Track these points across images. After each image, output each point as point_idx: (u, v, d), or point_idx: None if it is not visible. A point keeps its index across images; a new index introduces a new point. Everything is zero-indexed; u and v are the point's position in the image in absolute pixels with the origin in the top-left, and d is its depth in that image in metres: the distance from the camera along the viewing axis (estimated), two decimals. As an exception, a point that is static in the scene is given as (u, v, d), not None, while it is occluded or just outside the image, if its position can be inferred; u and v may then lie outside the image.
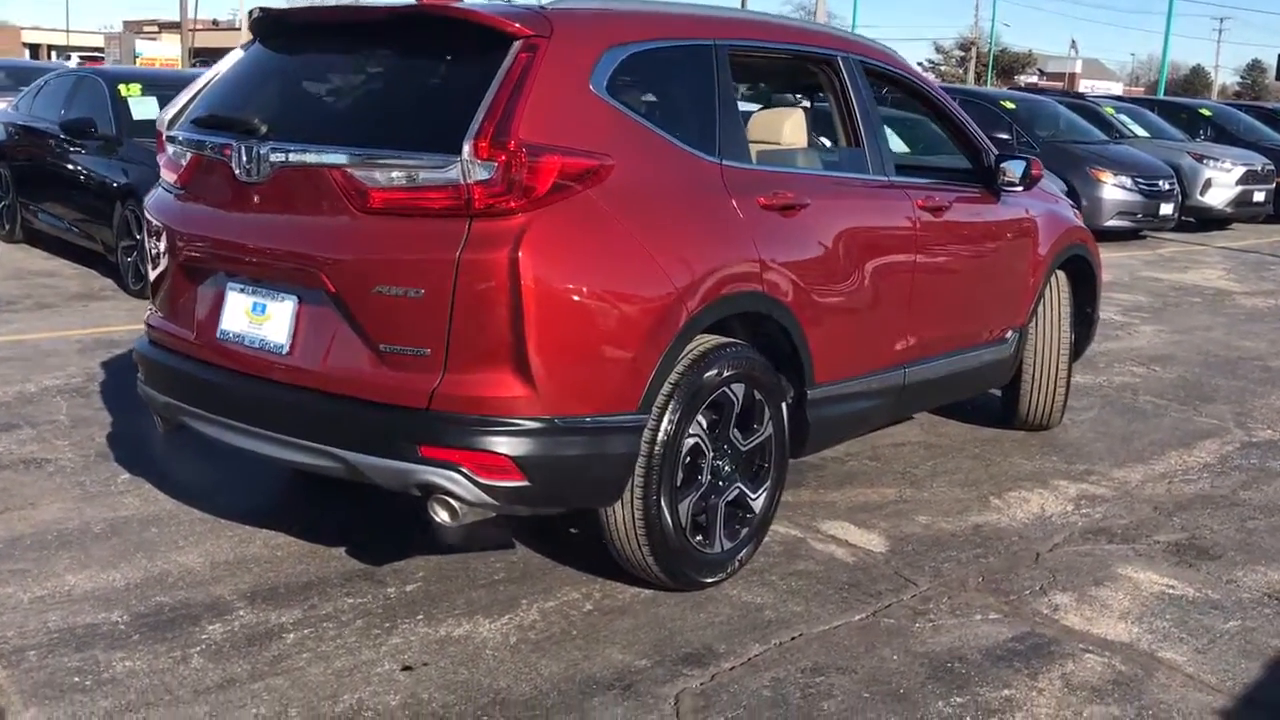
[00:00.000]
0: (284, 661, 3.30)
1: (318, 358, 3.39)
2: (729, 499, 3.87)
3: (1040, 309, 5.60)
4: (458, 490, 3.23)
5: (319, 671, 3.24)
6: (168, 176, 3.93)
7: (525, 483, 3.26)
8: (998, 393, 5.85)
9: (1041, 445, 5.72)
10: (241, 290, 3.61)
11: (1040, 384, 5.68)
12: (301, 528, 4.21)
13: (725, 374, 3.69)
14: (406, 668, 3.29)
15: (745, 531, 3.93)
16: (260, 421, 3.47)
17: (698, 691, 3.22)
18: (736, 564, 3.89)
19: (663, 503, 3.55)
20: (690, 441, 3.64)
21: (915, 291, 4.64)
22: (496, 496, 3.27)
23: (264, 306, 3.53)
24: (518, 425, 3.22)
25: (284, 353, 3.46)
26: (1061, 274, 5.71)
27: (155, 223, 3.90)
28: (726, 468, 3.84)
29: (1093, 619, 3.79)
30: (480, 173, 3.15)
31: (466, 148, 3.13)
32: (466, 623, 3.57)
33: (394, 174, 3.25)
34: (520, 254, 3.13)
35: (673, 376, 3.54)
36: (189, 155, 3.79)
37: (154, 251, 3.92)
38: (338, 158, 3.31)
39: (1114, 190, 14.11)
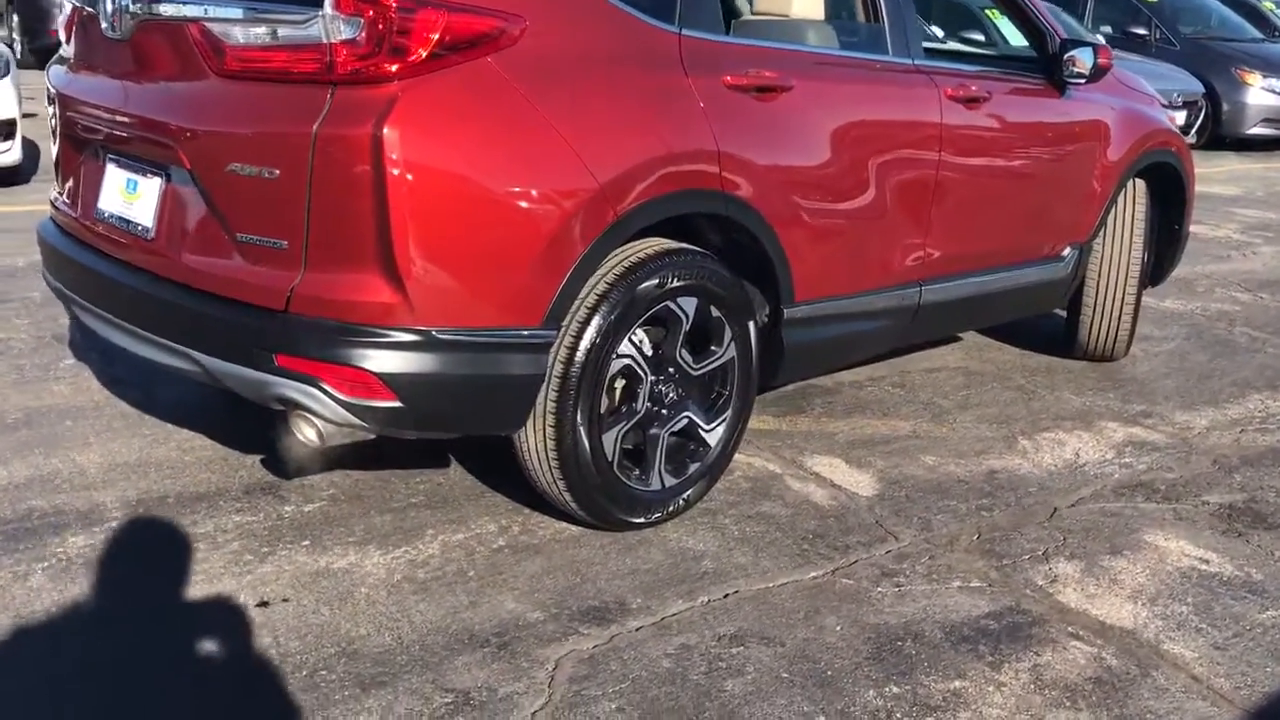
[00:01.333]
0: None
1: (180, 245, 2.96)
2: (674, 430, 3.34)
3: (1109, 223, 4.84)
4: (318, 408, 2.78)
5: (163, 601, 2.87)
6: (63, 38, 3.51)
7: (397, 404, 2.79)
8: (1063, 313, 5.15)
9: (1099, 379, 5.01)
10: (118, 164, 3.18)
11: (1103, 309, 4.96)
12: (227, 431, 3.84)
13: (670, 285, 3.13)
14: (263, 603, 2.89)
15: (696, 468, 3.41)
16: (125, 314, 3.07)
17: (585, 657, 2.75)
18: (681, 503, 3.38)
19: (580, 432, 3.05)
20: (621, 363, 3.11)
21: (938, 197, 3.97)
22: (364, 417, 2.81)
23: (135, 183, 3.10)
24: (385, 337, 2.73)
25: (150, 237, 3.03)
26: (1140, 183, 4.92)
27: (51, 91, 3.49)
28: (671, 394, 3.30)
29: (1094, 596, 3.18)
30: (344, 30, 2.63)
31: (328, -1, 2.61)
32: (354, 553, 3.15)
33: (255, 30, 2.75)
34: (386, 130, 2.61)
35: (597, 286, 3.01)
36: (71, 10, 3.36)
37: (52, 124, 3.51)
38: (195, 9, 2.81)
39: (1261, 94, 12.77)
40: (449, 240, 2.72)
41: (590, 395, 3.04)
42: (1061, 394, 4.80)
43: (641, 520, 3.28)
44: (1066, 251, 4.67)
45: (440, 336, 2.77)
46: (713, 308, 3.30)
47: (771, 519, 3.48)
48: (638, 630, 2.87)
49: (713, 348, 3.38)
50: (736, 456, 3.69)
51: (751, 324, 3.44)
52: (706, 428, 3.41)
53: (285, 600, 2.91)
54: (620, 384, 3.20)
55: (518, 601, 2.95)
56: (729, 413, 3.45)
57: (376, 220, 2.64)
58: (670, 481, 3.35)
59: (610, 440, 3.15)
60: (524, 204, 2.81)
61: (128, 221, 3.08)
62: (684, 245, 3.21)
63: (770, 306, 3.56)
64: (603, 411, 3.11)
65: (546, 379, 2.99)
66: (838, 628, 2.94)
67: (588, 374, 3.02)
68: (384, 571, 3.06)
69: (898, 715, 2.61)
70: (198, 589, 2.93)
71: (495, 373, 2.86)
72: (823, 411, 4.38)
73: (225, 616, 2.82)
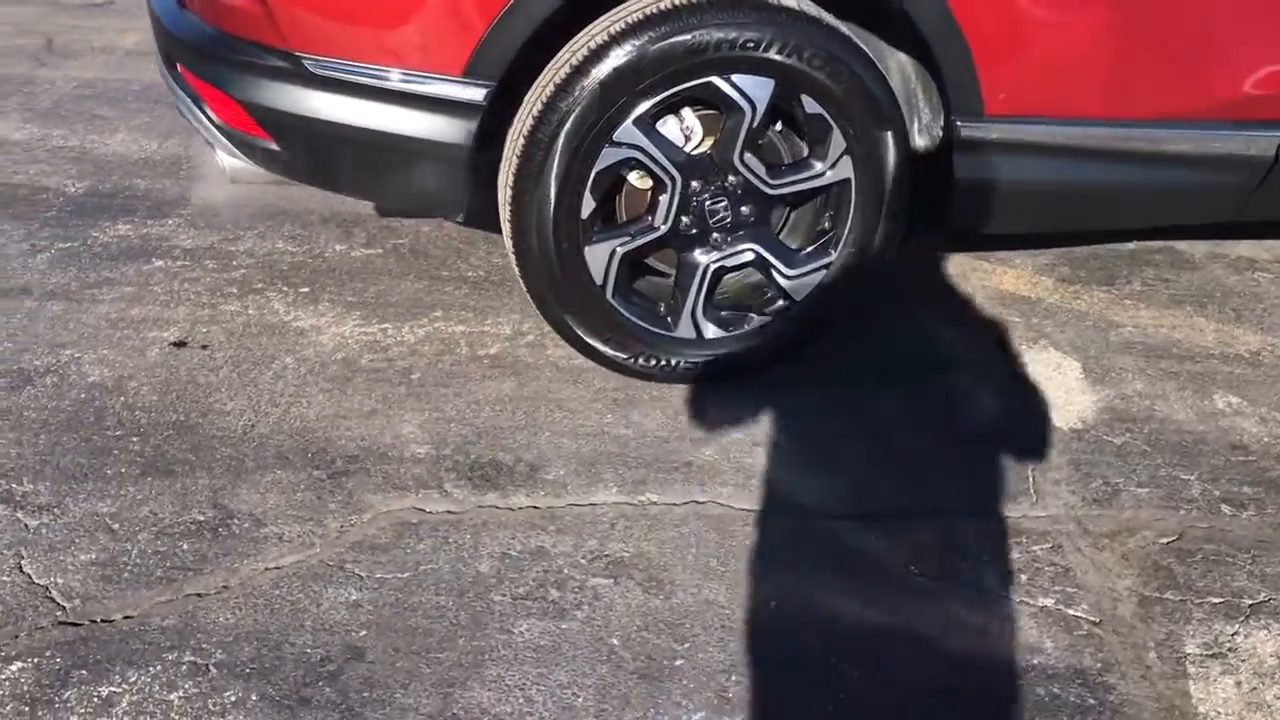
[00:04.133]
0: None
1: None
2: (731, 264, 2.38)
3: None
4: (205, 134, 2.27)
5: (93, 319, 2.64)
6: None
7: (275, 147, 2.19)
8: None
9: None
10: None
11: None
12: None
13: (712, 53, 2.13)
14: (180, 343, 2.55)
15: (757, 324, 2.44)
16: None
17: (404, 522, 2.10)
18: (715, 364, 2.46)
19: (547, 236, 2.25)
20: (620, 154, 2.21)
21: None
22: (249, 155, 2.26)
23: None
24: (252, 59, 2.12)
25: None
26: None
27: None
28: (726, 214, 2.33)
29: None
30: None
31: None
32: (329, 316, 2.68)
33: None
34: None
35: (577, 37, 2.11)
36: None
37: None
38: None
39: None
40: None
41: (560, 190, 2.20)
42: None
43: (649, 365, 2.42)
44: None
45: (312, 69, 2.09)
46: (808, 99, 2.22)
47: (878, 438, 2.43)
48: (511, 512, 2.14)
49: (811, 160, 2.32)
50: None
51: (890, 135, 2.29)
52: (788, 272, 2.39)
53: (204, 348, 2.53)
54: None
55: (421, 428, 2.33)
56: (834, 257, 2.39)
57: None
58: (712, 332, 2.42)
59: (599, 255, 2.30)
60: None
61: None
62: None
63: (940, 117, 2.36)
64: (585, 217, 2.26)
65: (506, 158, 2.20)
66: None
67: (556, 159, 2.17)
68: (332, 345, 2.57)
69: None
70: (133, 310, 2.65)
71: (394, 130, 2.13)
72: (1140, 289, 3.01)
73: (128, 350, 2.51)
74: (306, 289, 2.77)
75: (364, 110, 2.12)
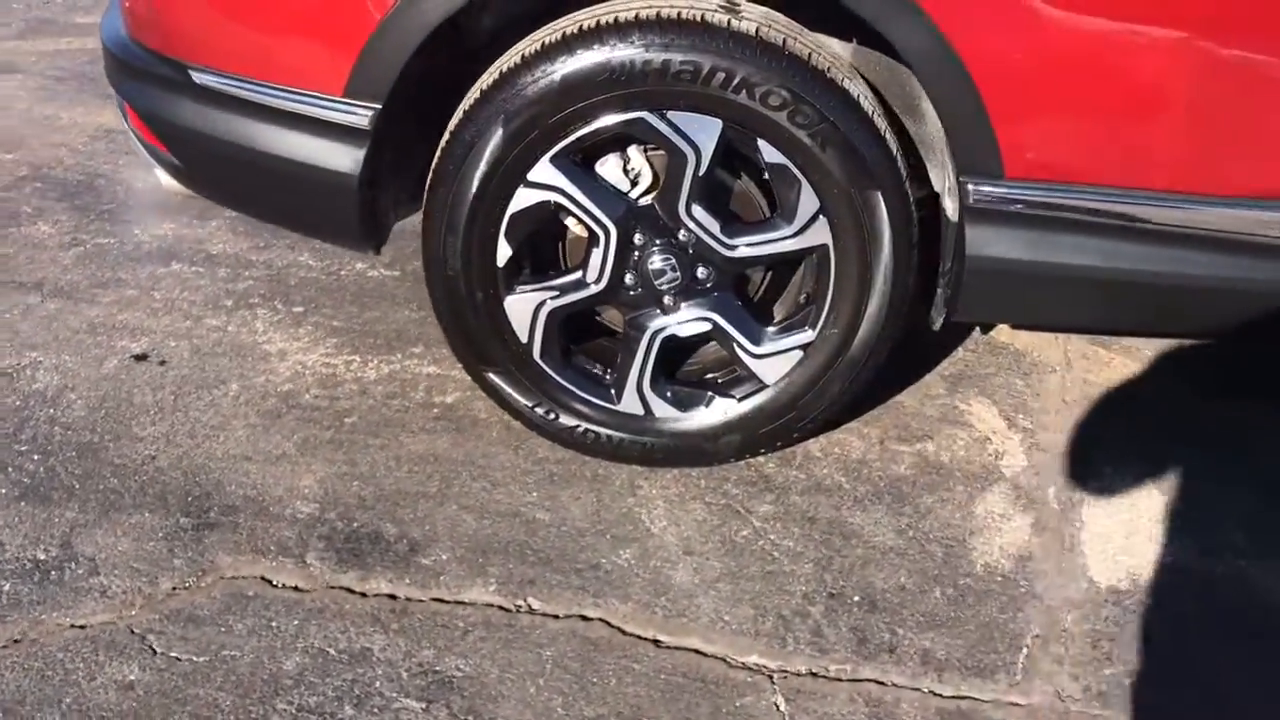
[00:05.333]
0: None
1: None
2: (681, 332, 2.00)
3: None
4: (131, 140, 2.13)
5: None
6: None
7: (172, 158, 2.01)
8: None
9: None
10: None
11: None
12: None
13: (638, 82, 1.76)
14: (140, 356, 2.44)
15: (715, 402, 2.04)
16: None
17: (234, 593, 1.88)
18: (650, 445, 2.07)
19: (457, 283, 1.96)
20: (536, 197, 1.88)
21: None
22: (162, 166, 2.09)
23: None
24: (146, 64, 1.95)
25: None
26: None
27: None
28: (674, 274, 1.94)
29: None
30: None
31: None
32: (305, 340, 2.50)
33: None
34: None
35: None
36: None
37: None
38: None
39: None
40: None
41: (469, 231, 1.90)
42: None
43: (588, 440, 2.08)
44: None
45: (196, 79, 1.89)
46: (767, 147, 1.81)
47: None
48: (362, 599, 1.86)
49: (776, 219, 1.89)
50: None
51: (881, 197, 1.83)
52: (753, 349, 1.98)
53: (162, 363, 2.41)
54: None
55: (320, 482, 2.10)
56: (813, 337, 1.95)
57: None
58: (663, 411, 2.04)
59: (522, 309, 1.97)
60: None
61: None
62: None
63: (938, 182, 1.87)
64: (501, 265, 1.94)
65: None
66: None
67: (464, 197, 1.87)
68: (286, 375, 2.38)
69: None
70: (120, 315, 2.56)
71: (276, 152, 1.90)
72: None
73: (89, 359, 2.43)
74: (300, 308, 2.60)
75: (246, 128, 1.90)
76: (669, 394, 2.03)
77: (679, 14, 1.74)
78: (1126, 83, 1.71)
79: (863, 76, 1.86)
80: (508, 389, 2.05)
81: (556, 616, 1.84)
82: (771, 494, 2.09)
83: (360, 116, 1.83)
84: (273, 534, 1.97)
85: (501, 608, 1.85)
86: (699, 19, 1.74)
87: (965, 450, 2.22)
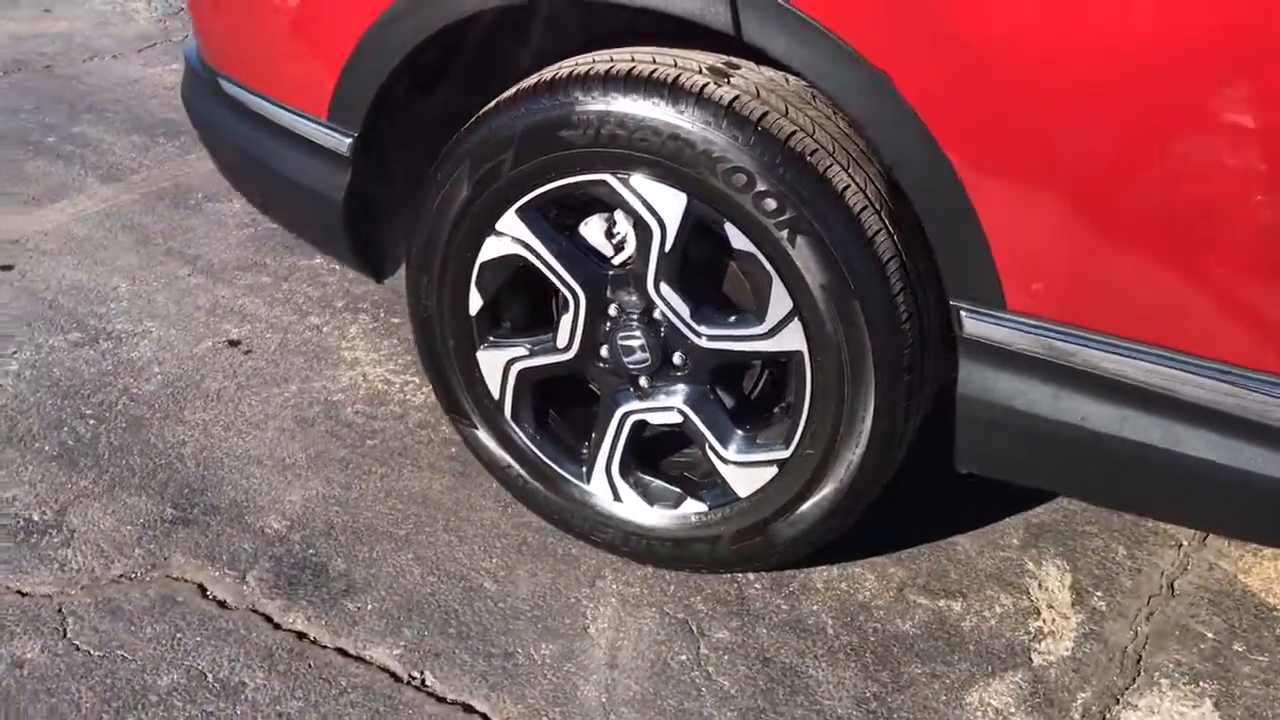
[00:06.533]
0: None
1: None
2: (654, 419, 1.81)
3: None
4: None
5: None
6: None
7: (214, 159, 2.06)
8: None
9: None
10: None
11: None
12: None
13: (601, 143, 1.60)
14: (234, 343, 2.55)
15: (685, 504, 1.82)
16: None
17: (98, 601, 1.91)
18: (605, 531, 1.88)
19: (435, 331, 1.88)
20: (504, 249, 1.75)
21: None
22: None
23: None
24: (195, 68, 2.00)
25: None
26: None
27: None
28: (644, 354, 1.75)
29: None
30: None
31: None
32: (354, 331, 2.52)
33: None
34: None
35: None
36: None
37: None
38: None
39: None
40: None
41: (442, 275, 1.81)
42: None
43: (556, 516, 1.93)
44: None
45: (224, 88, 1.91)
46: (734, 231, 1.58)
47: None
48: (273, 630, 1.83)
49: (750, 314, 1.65)
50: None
51: (860, 308, 1.55)
52: (725, 454, 1.75)
53: (247, 353, 2.51)
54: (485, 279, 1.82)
55: (305, 502, 2.08)
56: (789, 455, 1.69)
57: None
58: (631, 501, 1.85)
59: (493, 365, 1.85)
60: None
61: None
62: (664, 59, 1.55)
63: (929, 294, 1.54)
64: (473, 314, 1.83)
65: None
66: None
67: (438, 239, 1.78)
68: (343, 385, 2.39)
69: None
70: (242, 300, 2.68)
71: (276, 167, 1.89)
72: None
73: (191, 338, 2.56)
74: (397, 320, 2.61)
75: (258, 139, 1.90)
76: (638, 484, 1.83)
77: (650, 73, 1.54)
78: (1161, 215, 1.32)
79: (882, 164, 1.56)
80: (483, 441, 1.93)
81: (442, 699, 1.71)
82: (738, 620, 1.83)
83: (340, 142, 1.78)
84: (233, 543, 1.97)
85: (394, 675, 1.75)
86: (669, 80, 1.53)
87: (999, 620, 1.84)
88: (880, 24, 1.35)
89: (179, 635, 1.80)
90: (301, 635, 1.81)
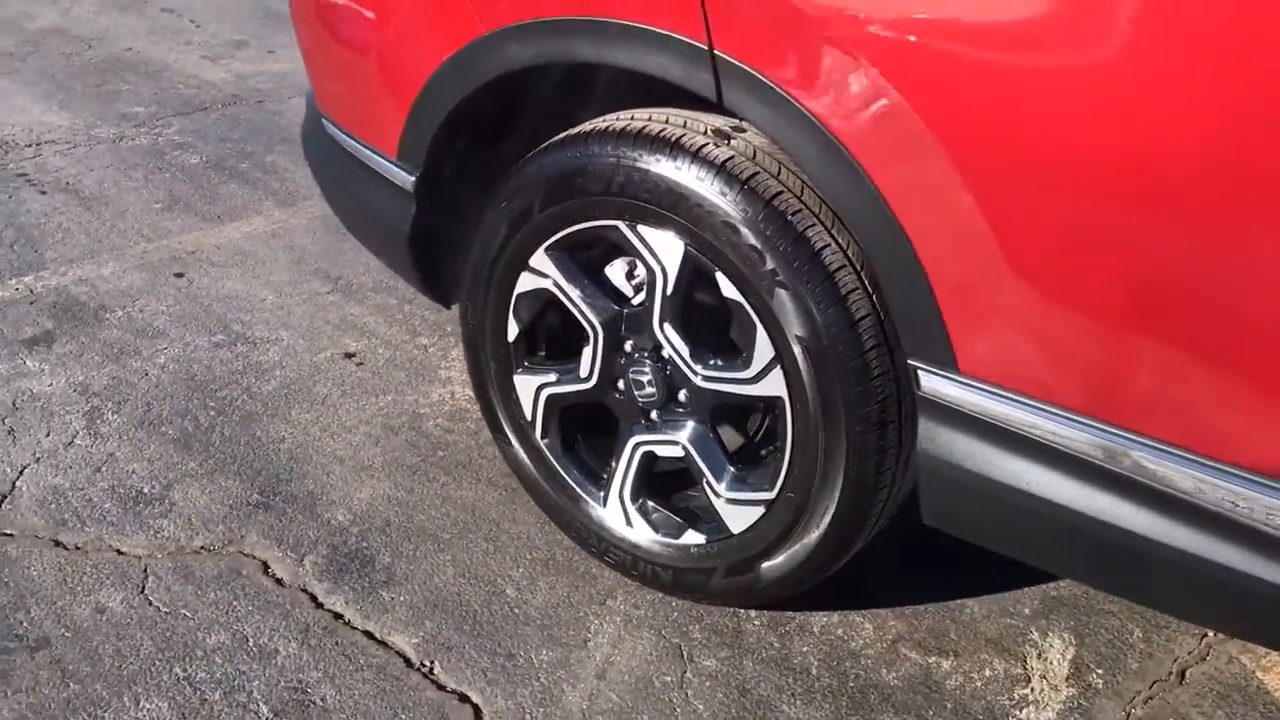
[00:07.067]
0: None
1: None
2: (660, 450, 1.94)
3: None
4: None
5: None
6: None
7: (320, 189, 2.33)
8: None
9: None
10: None
11: None
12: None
13: (615, 192, 1.77)
14: (349, 355, 2.83)
15: (687, 534, 1.94)
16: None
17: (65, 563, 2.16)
18: (621, 553, 2.01)
19: (483, 346, 2.07)
20: (535, 284, 1.93)
21: None
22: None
23: None
24: (308, 107, 2.27)
25: None
26: None
27: None
28: (653, 389, 1.89)
29: None
30: None
31: None
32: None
33: None
34: None
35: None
36: None
37: None
38: None
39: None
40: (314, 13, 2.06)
41: (486, 302, 2.01)
42: None
43: (577, 534, 2.09)
44: None
45: (324, 123, 2.18)
46: (723, 280, 1.71)
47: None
48: (315, 610, 2.06)
49: (739, 360, 1.77)
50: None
51: (833, 362, 1.65)
52: (718, 489, 1.86)
53: (359, 365, 2.78)
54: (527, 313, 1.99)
55: (371, 501, 2.31)
56: (774, 496, 1.80)
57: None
58: (639, 527, 1.99)
59: (526, 388, 2.03)
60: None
61: None
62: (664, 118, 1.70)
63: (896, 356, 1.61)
64: (511, 340, 2.01)
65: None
66: None
67: (482, 267, 1.98)
68: (432, 400, 2.62)
69: None
70: (369, 319, 2.95)
71: (360, 197, 2.13)
72: None
73: (314, 347, 2.85)
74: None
75: (349, 174, 2.14)
76: (647, 511, 1.96)
77: (658, 132, 1.69)
78: (1109, 287, 1.37)
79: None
80: (519, 458, 2.10)
81: (442, 687, 1.88)
82: (728, 651, 1.93)
83: (406, 179, 2.00)
84: (300, 529, 2.21)
85: (407, 660, 1.93)
86: (672, 138, 1.67)
87: (985, 683, 1.86)
88: (841, 101, 1.45)
89: (235, 603, 2.04)
90: (338, 616, 2.02)
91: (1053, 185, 1.35)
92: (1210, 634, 1.96)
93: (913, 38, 1.35)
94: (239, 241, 3.36)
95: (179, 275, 3.16)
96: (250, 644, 1.95)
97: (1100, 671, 1.89)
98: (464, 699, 1.85)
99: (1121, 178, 1.27)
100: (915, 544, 2.05)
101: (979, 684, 1.86)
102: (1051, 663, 1.90)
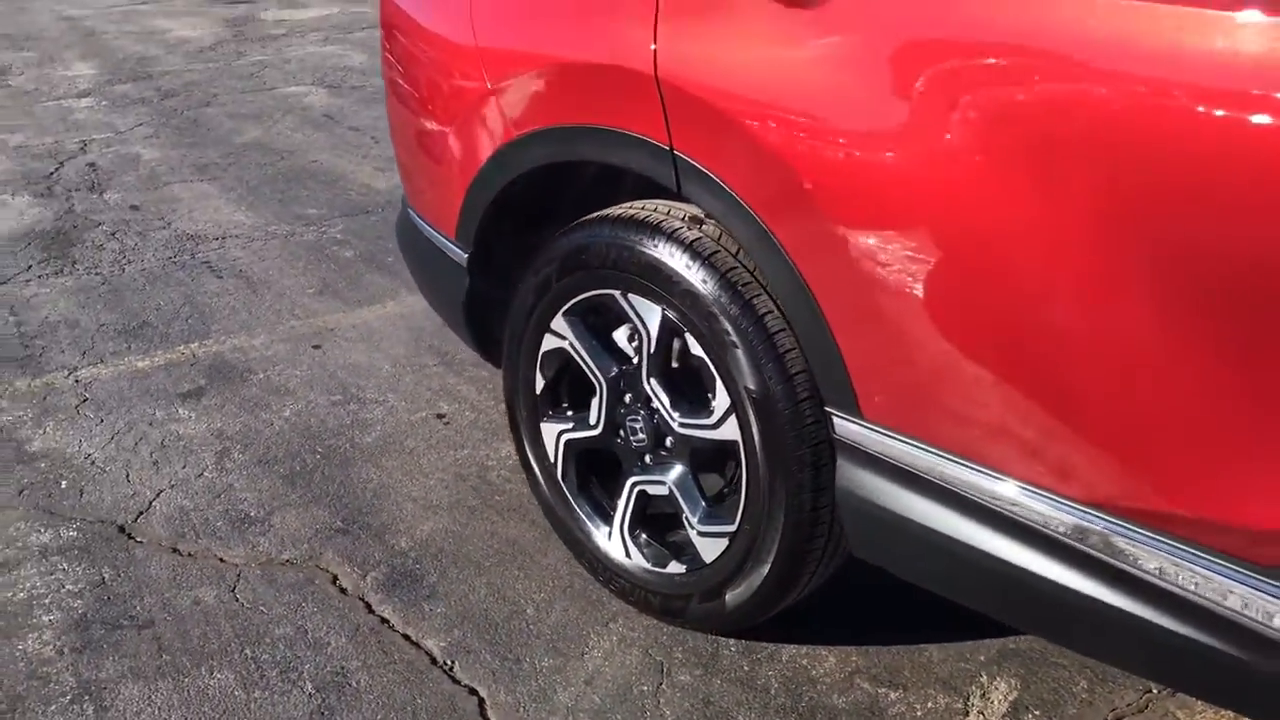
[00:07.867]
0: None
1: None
2: (651, 489, 2.27)
3: None
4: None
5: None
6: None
7: (408, 267, 2.79)
8: None
9: None
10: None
11: None
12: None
13: (609, 266, 2.15)
14: (439, 415, 3.26)
15: (671, 565, 2.25)
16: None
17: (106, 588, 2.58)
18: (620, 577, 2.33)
19: (518, 394, 2.46)
20: (554, 344, 2.31)
21: None
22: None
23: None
24: (402, 207, 2.76)
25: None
26: None
27: None
28: (644, 435, 2.22)
29: None
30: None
31: None
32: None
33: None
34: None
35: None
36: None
37: None
38: None
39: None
40: (403, 109, 2.54)
41: (517, 358, 2.40)
42: None
43: (589, 564, 2.41)
44: None
45: (408, 210, 2.64)
46: (692, 340, 2.05)
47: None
48: (365, 613, 2.45)
49: (706, 408, 2.09)
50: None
51: (773, 410, 1.96)
52: (694, 523, 2.17)
53: (446, 424, 3.20)
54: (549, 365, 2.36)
55: (433, 532, 2.69)
56: (732, 526, 2.10)
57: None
58: (635, 559, 2.31)
59: (550, 434, 2.39)
60: (429, 74, 2.38)
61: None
62: (648, 210, 2.07)
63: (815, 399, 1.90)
64: (538, 392, 2.39)
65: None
66: None
67: (516, 329, 2.38)
68: (503, 455, 3.01)
69: None
70: (464, 388, 3.38)
71: (432, 269, 2.56)
72: None
73: (413, 406, 3.29)
74: (568, 416, 3.19)
75: (421, 246, 2.59)
76: (643, 544, 2.27)
77: (644, 217, 2.06)
78: (995, 334, 1.63)
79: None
80: (545, 495, 2.45)
81: (457, 682, 2.22)
82: (702, 670, 2.20)
83: (461, 256, 2.42)
84: (369, 551, 2.61)
85: (433, 659, 2.28)
86: (653, 223, 2.04)
87: (925, 713, 2.08)
88: (764, 192, 1.78)
89: (303, 604, 2.43)
90: (384, 620, 2.39)
91: (911, 262, 1.63)
92: (1154, 690, 2.11)
93: (817, 142, 1.67)
94: (371, 321, 3.87)
95: (316, 347, 3.67)
96: (309, 636, 2.33)
97: (1037, 713, 2.07)
98: (472, 692, 2.18)
99: (946, 257, 1.56)
100: (899, 587, 2.28)
101: (919, 714, 2.07)
102: (993, 702, 2.10)
